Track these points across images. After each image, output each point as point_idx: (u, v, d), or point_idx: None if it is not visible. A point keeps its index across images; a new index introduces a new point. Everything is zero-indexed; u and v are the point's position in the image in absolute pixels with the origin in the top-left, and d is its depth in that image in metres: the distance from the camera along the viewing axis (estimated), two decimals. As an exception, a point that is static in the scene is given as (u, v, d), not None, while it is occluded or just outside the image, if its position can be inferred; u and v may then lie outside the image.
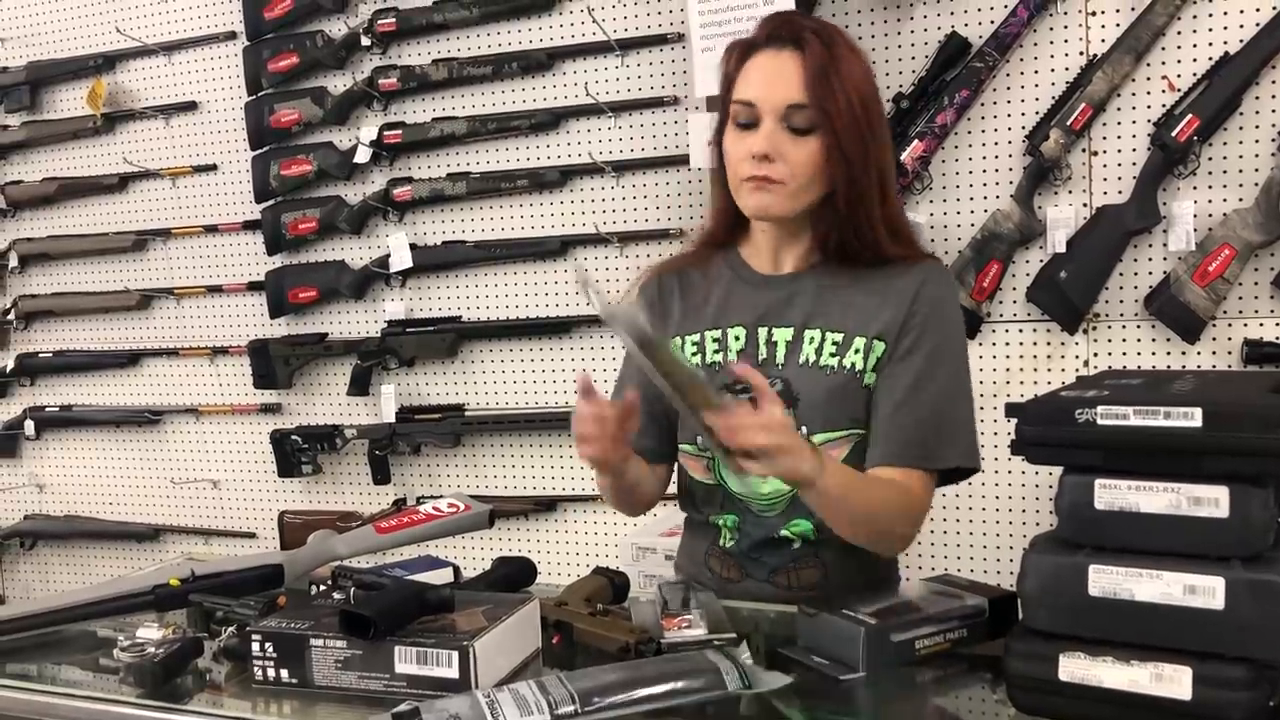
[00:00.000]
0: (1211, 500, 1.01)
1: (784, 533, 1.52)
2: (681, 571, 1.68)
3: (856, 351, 1.47)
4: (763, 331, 1.52)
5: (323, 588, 1.44)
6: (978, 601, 1.29)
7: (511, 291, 2.90)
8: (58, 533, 3.49)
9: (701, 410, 1.22)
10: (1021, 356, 2.45)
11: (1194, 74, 2.26)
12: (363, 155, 2.96)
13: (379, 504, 3.09)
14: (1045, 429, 1.10)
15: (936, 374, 1.46)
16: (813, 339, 1.49)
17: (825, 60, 1.42)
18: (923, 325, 1.47)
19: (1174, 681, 1.00)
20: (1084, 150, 2.36)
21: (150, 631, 1.34)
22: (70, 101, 3.35)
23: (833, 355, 1.48)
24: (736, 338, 1.53)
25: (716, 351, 1.54)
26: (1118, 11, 2.31)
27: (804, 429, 1.47)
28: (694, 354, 1.56)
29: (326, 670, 1.21)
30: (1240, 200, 2.25)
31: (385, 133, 2.94)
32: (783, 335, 1.50)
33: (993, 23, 2.37)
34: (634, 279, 1.70)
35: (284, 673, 1.23)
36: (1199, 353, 2.30)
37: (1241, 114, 2.24)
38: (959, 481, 1.54)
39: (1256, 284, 2.27)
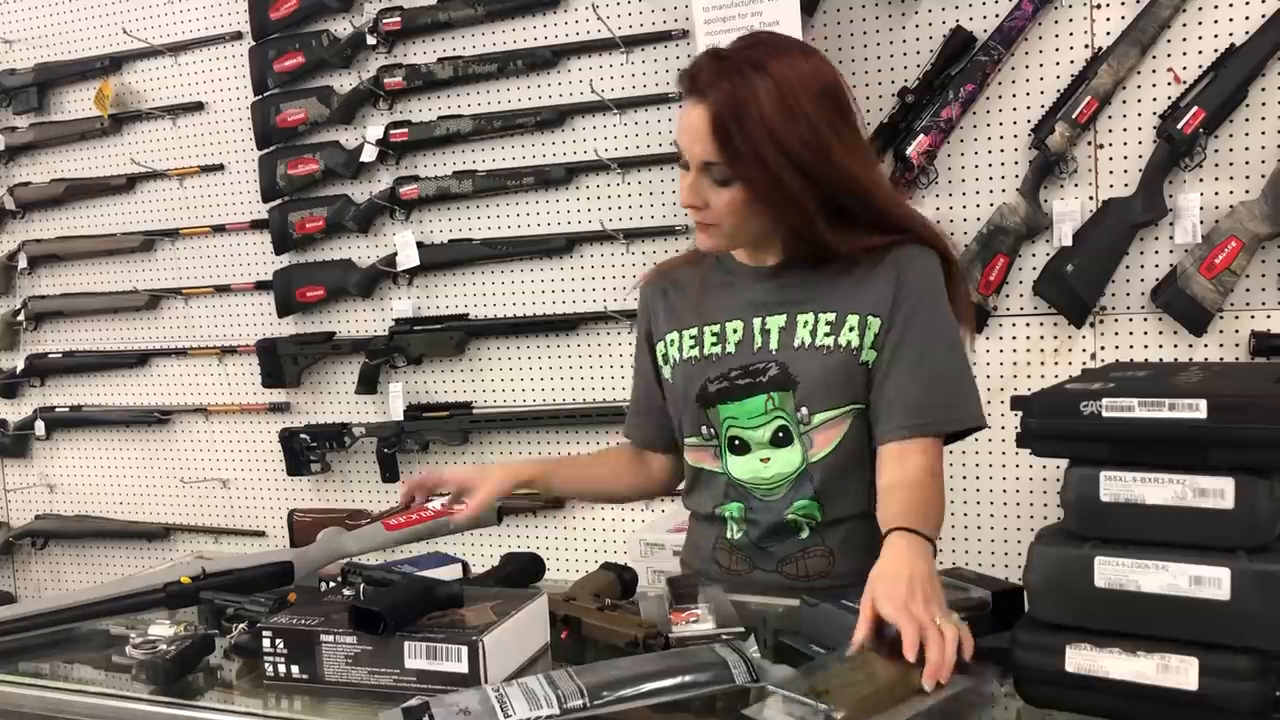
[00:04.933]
0: (1217, 491, 1.01)
1: (789, 516, 1.53)
2: (688, 567, 1.69)
3: (851, 329, 1.49)
4: (757, 321, 1.54)
5: (333, 584, 1.45)
6: (982, 594, 1.29)
7: (518, 289, 2.91)
8: (69, 532, 3.51)
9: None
10: (1029, 350, 2.45)
11: (1200, 66, 2.26)
12: (369, 154, 2.97)
13: (387, 502, 3.10)
14: (1050, 421, 1.10)
15: (937, 342, 1.48)
16: (806, 322, 1.51)
17: (729, 109, 1.40)
18: (915, 299, 1.48)
19: (1180, 672, 1.00)
20: (1090, 143, 2.36)
21: (162, 629, 1.35)
22: (78, 103, 3.36)
23: (827, 335, 1.50)
24: (734, 330, 1.55)
25: (714, 344, 1.56)
26: (1122, 4, 2.31)
27: (804, 409, 1.50)
28: (691, 347, 1.58)
29: (337, 666, 1.22)
30: (1247, 192, 2.25)
31: (391, 131, 2.94)
32: (775, 322, 1.52)
33: (997, 16, 2.37)
34: (635, 284, 1.75)
35: (295, 669, 1.24)
36: (1206, 345, 2.30)
37: (1248, 106, 2.24)
38: (964, 438, 1.55)
39: (1264, 276, 2.26)
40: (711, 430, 1.57)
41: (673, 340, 1.61)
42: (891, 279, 1.48)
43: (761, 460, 1.53)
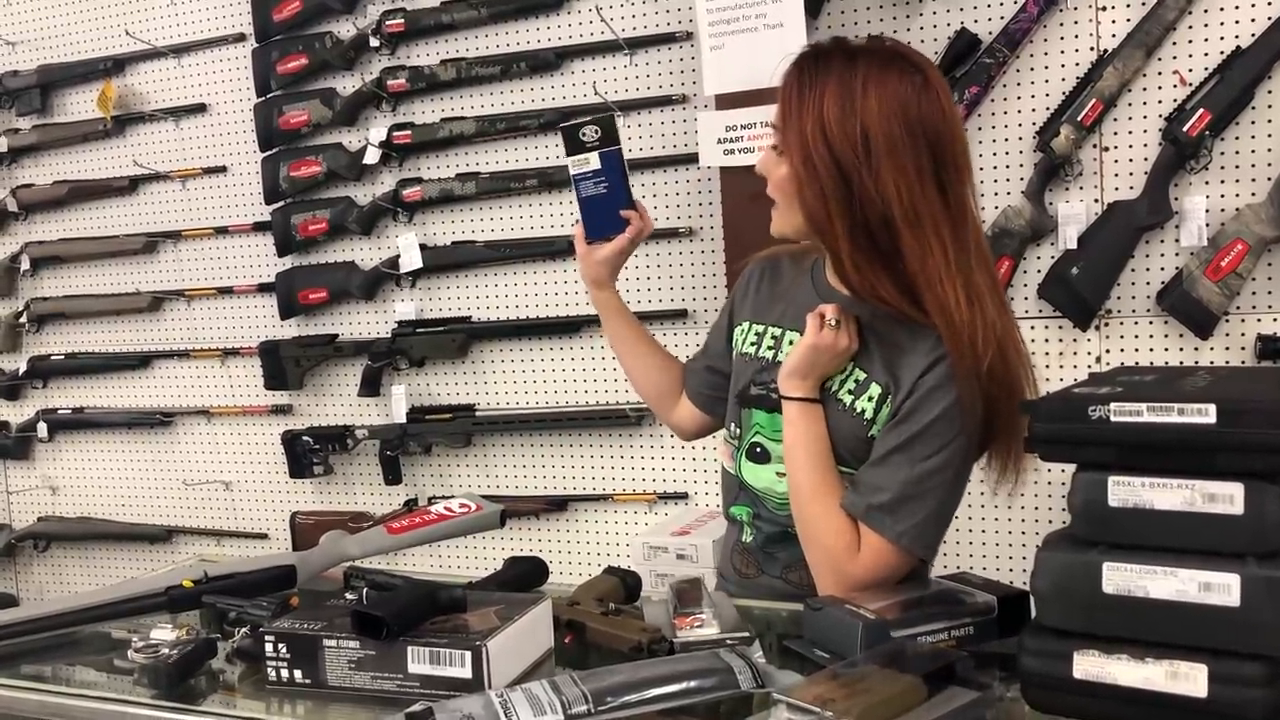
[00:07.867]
0: (1226, 497, 1.00)
1: (794, 529, 1.52)
2: (720, 569, 1.71)
3: (870, 399, 1.44)
4: None
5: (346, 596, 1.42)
6: (987, 599, 1.29)
7: (521, 291, 2.90)
8: (71, 534, 3.51)
9: None
10: (1034, 353, 2.41)
11: (1205, 68, 2.25)
12: (372, 156, 2.97)
13: (390, 505, 3.10)
14: (1058, 426, 1.09)
15: (920, 449, 1.40)
16: (843, 368, 1.47)
17: (803, 84, 1.39)
18: (925, 403, 1.40)
19: (1189, 679, 0.99)
20: (1095, 146, 2.35)
21: (164, 633, 1.35)
22: (80, 105, 3.36)
23: (850, 393, 1.46)
24: (790, 342, 1.52)
25: (770, 349, 1.56)
26: (1128, 6, 2.30)
27: None
28: (753, 343, 1.59)
29: (339, 671, 1.21)
30: (1253, 195, 2.24)
31: (394, 133, 2.94)
32: None
33: (1003, 19, 2.37)
34: (747, 260, 1.71)
35: (297, 673, 1.23)
36: (1212, 349, 2.29)
37: (1253, 108, 2.23)
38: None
39: (1270, 279, 2.25)
40: (739, 430, 1.58)
41: (743, 329, 1.62)
42: (918, 368, 1.41)
43: (778, 474, 1.52)
